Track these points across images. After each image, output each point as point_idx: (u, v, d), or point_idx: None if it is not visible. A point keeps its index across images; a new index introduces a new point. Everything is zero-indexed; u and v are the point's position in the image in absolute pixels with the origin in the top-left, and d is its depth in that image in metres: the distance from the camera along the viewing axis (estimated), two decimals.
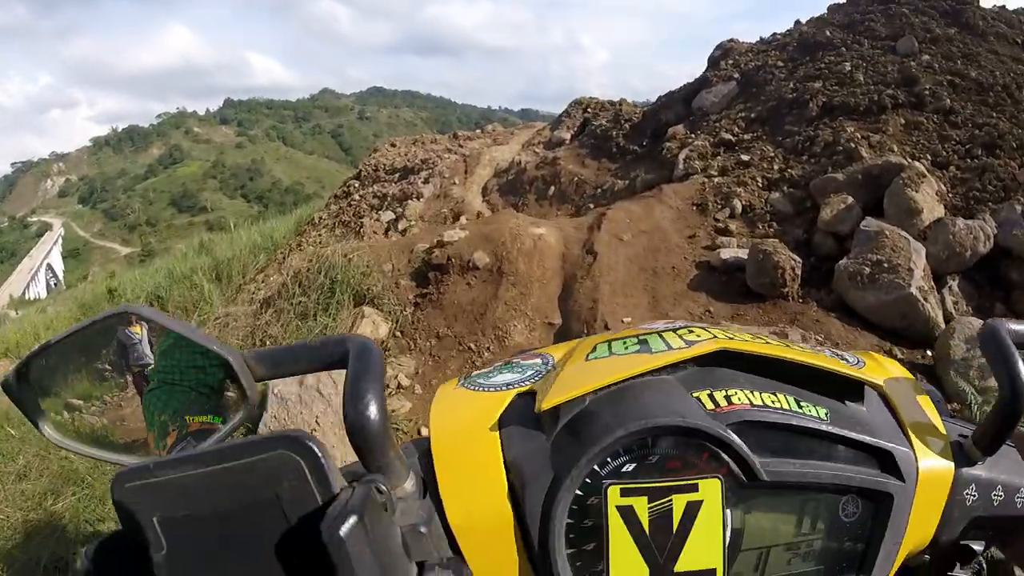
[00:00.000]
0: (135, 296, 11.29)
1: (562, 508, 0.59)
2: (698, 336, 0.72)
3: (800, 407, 0.67)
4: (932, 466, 0.68)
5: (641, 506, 0.59)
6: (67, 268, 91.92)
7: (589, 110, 13.56)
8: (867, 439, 0.66)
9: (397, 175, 14.20)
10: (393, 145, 17.45)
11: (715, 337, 0.71)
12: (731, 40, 10.45)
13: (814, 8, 10.95)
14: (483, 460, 0.64)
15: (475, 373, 0.79)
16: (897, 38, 8.39)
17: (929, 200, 5.29)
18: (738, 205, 6.14)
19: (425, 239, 6.46)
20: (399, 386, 5.00)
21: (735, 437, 0.60)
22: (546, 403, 0.64)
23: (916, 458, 0.68)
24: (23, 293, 75.88)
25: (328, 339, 0.62)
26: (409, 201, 10.77)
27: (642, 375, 0.67)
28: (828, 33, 9.13)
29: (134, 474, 0.47)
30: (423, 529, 0.53)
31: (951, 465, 0.69)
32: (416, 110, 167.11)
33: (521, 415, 0.67)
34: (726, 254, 5.46)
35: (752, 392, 0.67)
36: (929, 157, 6.18)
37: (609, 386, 0.66)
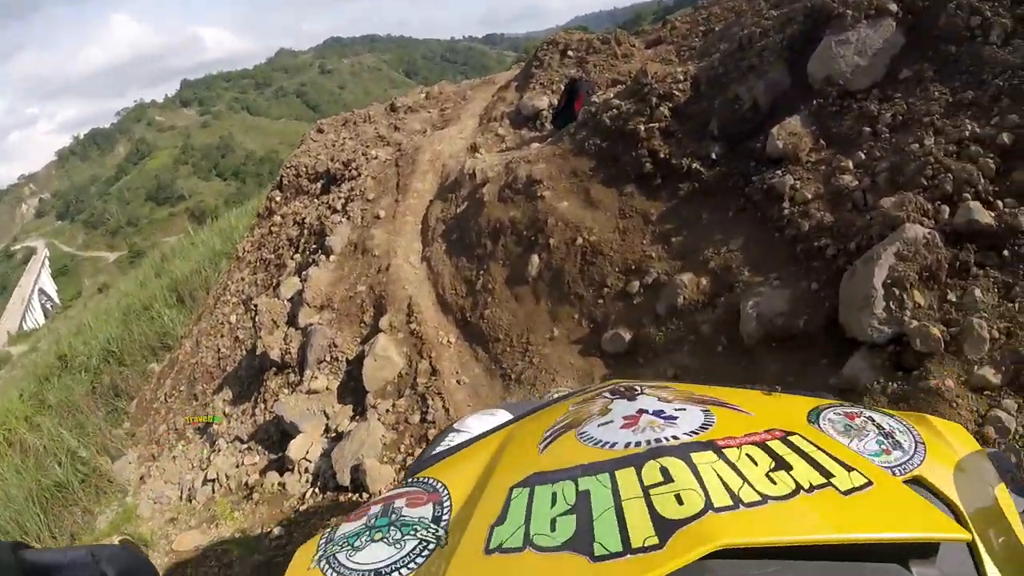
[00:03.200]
0: (88, 356, 10.60)
1: None
2: (675, 490, 0.47)
3: None
4: None
5: None
6: (60, 287, 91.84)
7: (570, 54, 9.11)
8: None
9: (320, 184, 10.36)
10: (320, 131, 13.42)
11: (710, 506, 0.47)
12: None
13: None
14: None
15: (339, 534, 0.61)
16: None
17: None
18: None
19: None
20: None
21: None
22: None
23: None
24: (20, 325, 74.61)
25: (90, 553, 0.55)
26: (311, 269, 6.65)
27: None
28: None
29: None
30: None
31: None
32: (378, 54, 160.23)
33: None
34: None
35: None
36: None
37: None
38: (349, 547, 0.58)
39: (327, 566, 0.56)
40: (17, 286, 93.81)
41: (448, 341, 5.04)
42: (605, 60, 8.58)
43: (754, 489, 0.49)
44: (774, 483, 0.50)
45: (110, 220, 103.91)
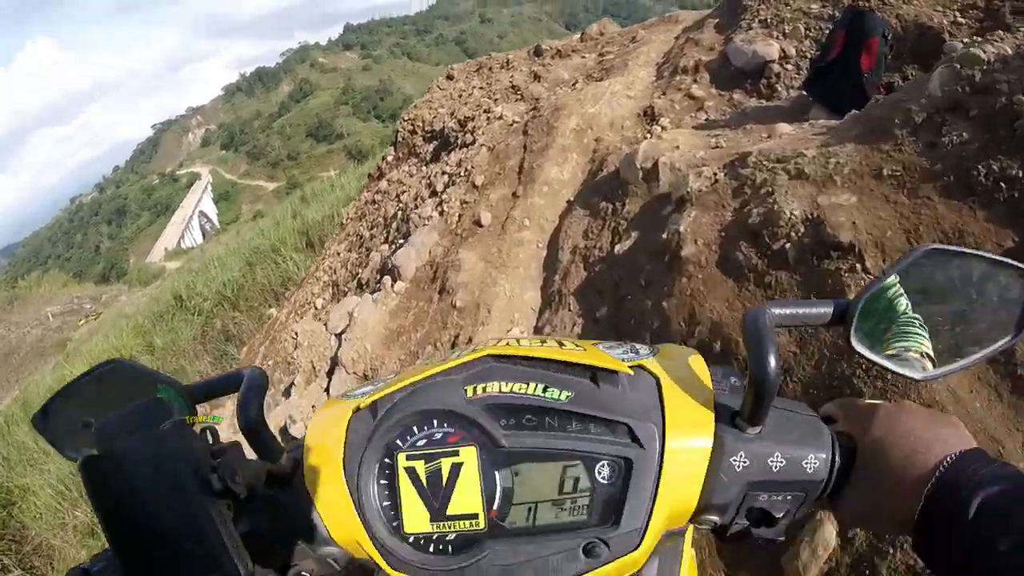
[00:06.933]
0: (203, 299, 11.15)
1: (366, 469, 0.75)
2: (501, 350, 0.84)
3: (545, 392, 0.76)
4: (682, 435, 0.74)
5: (420, 467, 0.75)
6: (220, 211, 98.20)
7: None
8: (600, 414, 0.74)
9: (432, 146, 7.93)
10: (450, 78, 11.04)
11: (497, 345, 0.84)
12: None
13: None
14: (331, 439, 0.78)
15: (353, 391, 0.89)
16: None
17: None
18: None
19: None
20: None
21: (476, 415, 0.73)
22: (366, 401, 0.79)
23: (664, 430, 0.74)
24: (178, 243, 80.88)
25: (231, 373, 0.83)
26: (363, 306, 4.05)
27: (438, 375, 0.78)
28: None
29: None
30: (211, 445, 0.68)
31: (707, 435, 0.75)
32: (539, 4, 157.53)
33: (365, 411, 0.80)
34: None
35: (506, 383, 0.77)
36: None
37: (412, 385, 0.78)
38: (354, 390, 0.84)
39: (343, 396, 0.83)
40: (180, 207, 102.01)
41: None
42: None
43: (531, 346, 0.79)
44: (542, 346, 0.79)
45: (271, 152, 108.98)
